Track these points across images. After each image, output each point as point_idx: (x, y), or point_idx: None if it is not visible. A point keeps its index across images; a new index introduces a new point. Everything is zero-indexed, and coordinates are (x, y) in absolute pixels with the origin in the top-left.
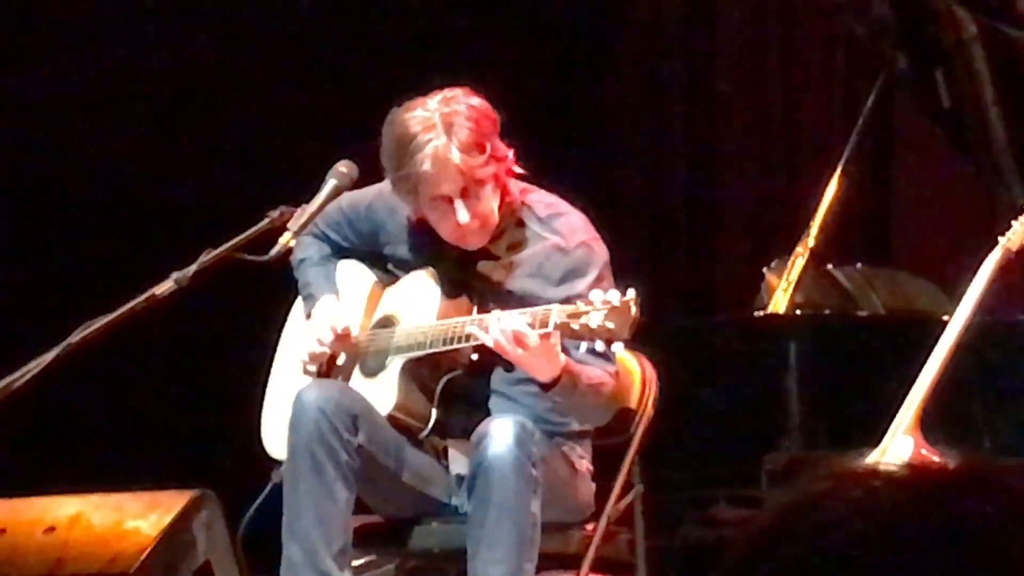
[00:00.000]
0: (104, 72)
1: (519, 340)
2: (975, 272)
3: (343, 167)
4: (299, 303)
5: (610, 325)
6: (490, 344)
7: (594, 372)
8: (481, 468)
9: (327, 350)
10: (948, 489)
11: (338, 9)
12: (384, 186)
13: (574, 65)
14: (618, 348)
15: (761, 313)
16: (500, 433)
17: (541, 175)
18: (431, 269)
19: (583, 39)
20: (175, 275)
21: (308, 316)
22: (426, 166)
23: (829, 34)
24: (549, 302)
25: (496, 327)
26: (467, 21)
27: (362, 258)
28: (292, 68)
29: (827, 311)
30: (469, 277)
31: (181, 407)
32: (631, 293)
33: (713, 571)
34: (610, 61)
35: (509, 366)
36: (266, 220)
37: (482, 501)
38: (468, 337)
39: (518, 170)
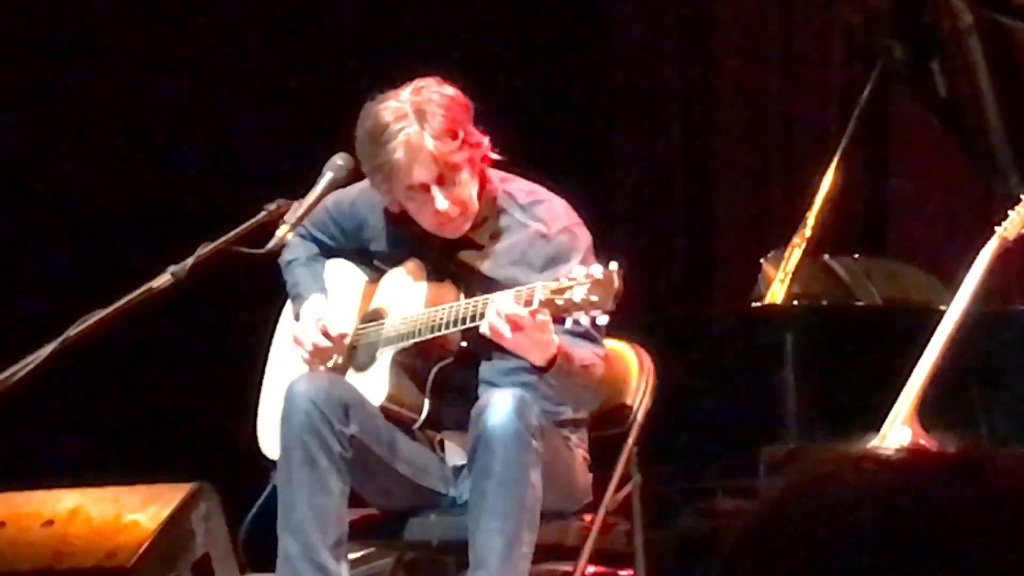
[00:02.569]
0: (101, 66)
1: (514, 322)
2: (972, 262)
3: (339, 159)
4: (289, 305)
5: (594, 298)
6: (485, 331)
7: (585, 354)
8: (481, 438)
9: (319, 354)
10: (944, 475)
11: (335, 2)
12: (368, 182)
13: (571, 58)
14: (603, 321)
15: (758, 304)
16: (500, 404)
17: (536, 167)
18: (416, 260)
19: (581, 33)
20: (172, 268)
21: (296, 316)
22: (399, 154)
23: (826, 24)
24: None
25: (491, 310)
26: (465, 16)
27: (350, 257)
28: (288, 61)
29: (824, 302)
30: (453, 266)
31: (179, 400)
32: (613, 265)
33: (709, 555)
34: (608, 53)
35: (499, 353)
36: (263, 213)
37: (482, 471)
38: (456, 322)
39: (495, 157)
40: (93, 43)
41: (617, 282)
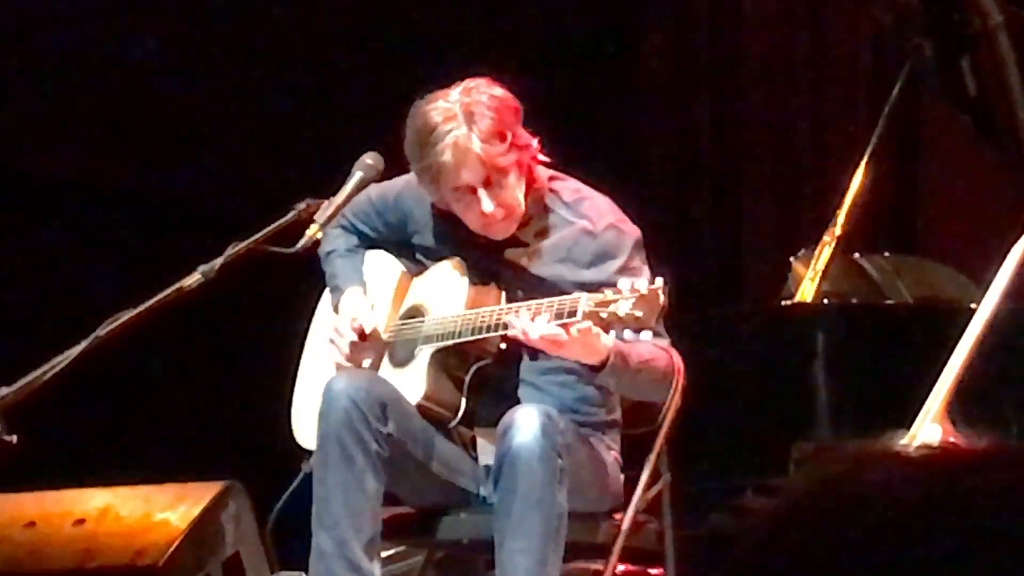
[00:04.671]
0: (133, 65)
1: (555, 344)
2: (1002, 260)
3: (369, 159)
4: (328, 294)
5: (638, 313)
6: (535, 342)
7: (646, 348)
8: (507, 458)
9: (352, 352)
10: (971, 472)
11: (368, 3)
12: (413, 176)
13: (601, 55)
14: (646, 336)
15: (788, 302)
16: (526, 423)
17: (566, 163)
18: (459, 258)
19: (611, 29)
20: (202, 268)
21: (335, 308)
22: (446, 156)
23: (855, 22)
24: (581, 285)
25: (534, 331)
26: (494, 12)
27: (390, 248)
28: (318, 60)
29: (854, 300)
30: (497, 265)
31: (209, 399)
32: (659, 281)
33: (733, 552)
34: (637, 49)
35: (536, 357)
36: (292, 212)
37: (508, 491)
38: (498, 326)
39: (543, 158)
40: (127, 41)
41: (662, 299)
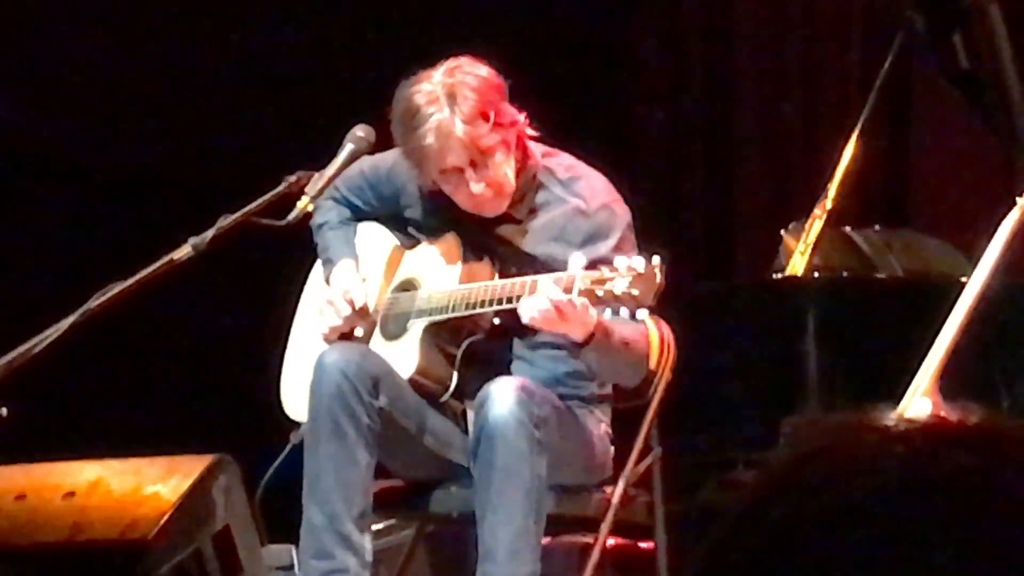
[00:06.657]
0: (121, 37)
1: (559, 311)
2: (993, 234)
3: (360, 131)
4: (318, 266)
5: (635, 292)
6: (527, 320)
7: (627, 331)
8: (484, 431)
9: (344, 324)
10: (957, 446)
11: None
12: None
13: (594, 31)
14: (641, 314)
15: (779, 276)
16: (501, 396)
17: (559, 139)
18: (453, 233)
19: (605, 5)
20: (193, 240)
21: (327, 281)
22: (429, 140)
23: None
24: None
25: (541, 299)
26: None
27: (383, 221)
28: (310, 32)
29: (845, 273)
30: (490, 241)
31: (199, 372)
32: (656, 260)
33: (713, 528)
34: (630, 26)
35: (529, 332)
36: (283, 184)
37: (486, 464)
38: (491, 302)
39: (532, 132)
40: (116, 12)
41: (659, 277)
